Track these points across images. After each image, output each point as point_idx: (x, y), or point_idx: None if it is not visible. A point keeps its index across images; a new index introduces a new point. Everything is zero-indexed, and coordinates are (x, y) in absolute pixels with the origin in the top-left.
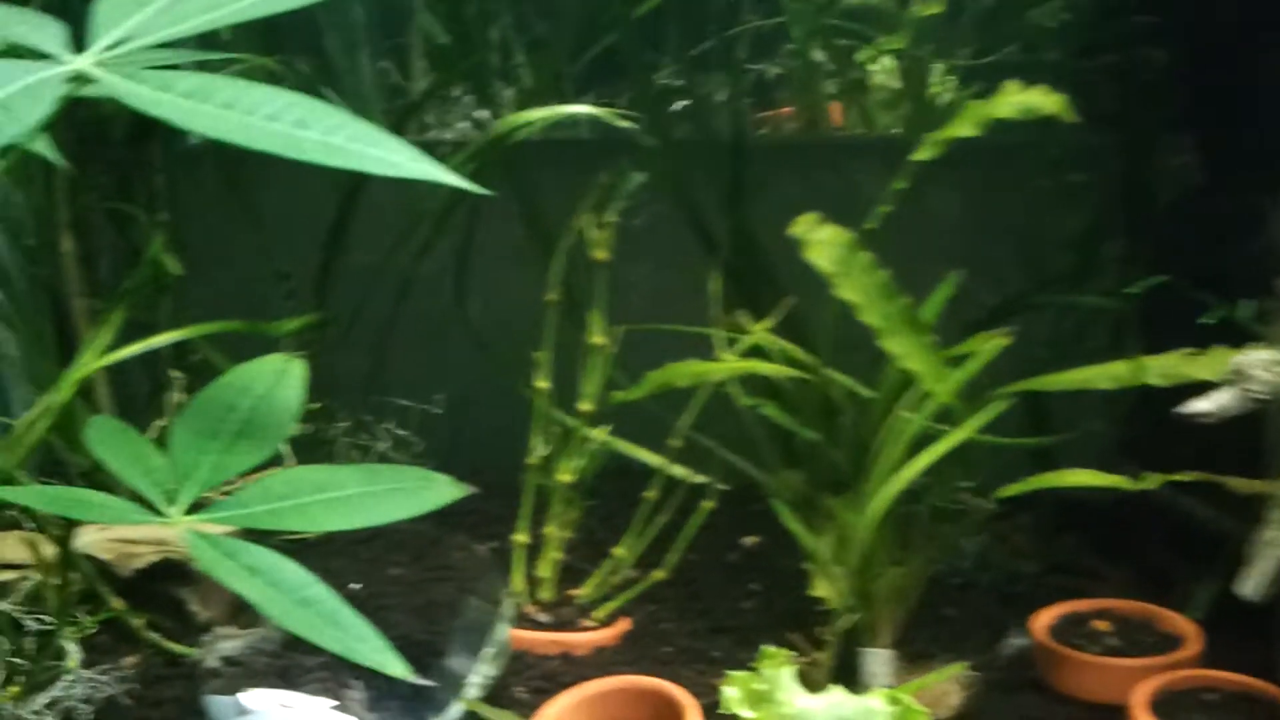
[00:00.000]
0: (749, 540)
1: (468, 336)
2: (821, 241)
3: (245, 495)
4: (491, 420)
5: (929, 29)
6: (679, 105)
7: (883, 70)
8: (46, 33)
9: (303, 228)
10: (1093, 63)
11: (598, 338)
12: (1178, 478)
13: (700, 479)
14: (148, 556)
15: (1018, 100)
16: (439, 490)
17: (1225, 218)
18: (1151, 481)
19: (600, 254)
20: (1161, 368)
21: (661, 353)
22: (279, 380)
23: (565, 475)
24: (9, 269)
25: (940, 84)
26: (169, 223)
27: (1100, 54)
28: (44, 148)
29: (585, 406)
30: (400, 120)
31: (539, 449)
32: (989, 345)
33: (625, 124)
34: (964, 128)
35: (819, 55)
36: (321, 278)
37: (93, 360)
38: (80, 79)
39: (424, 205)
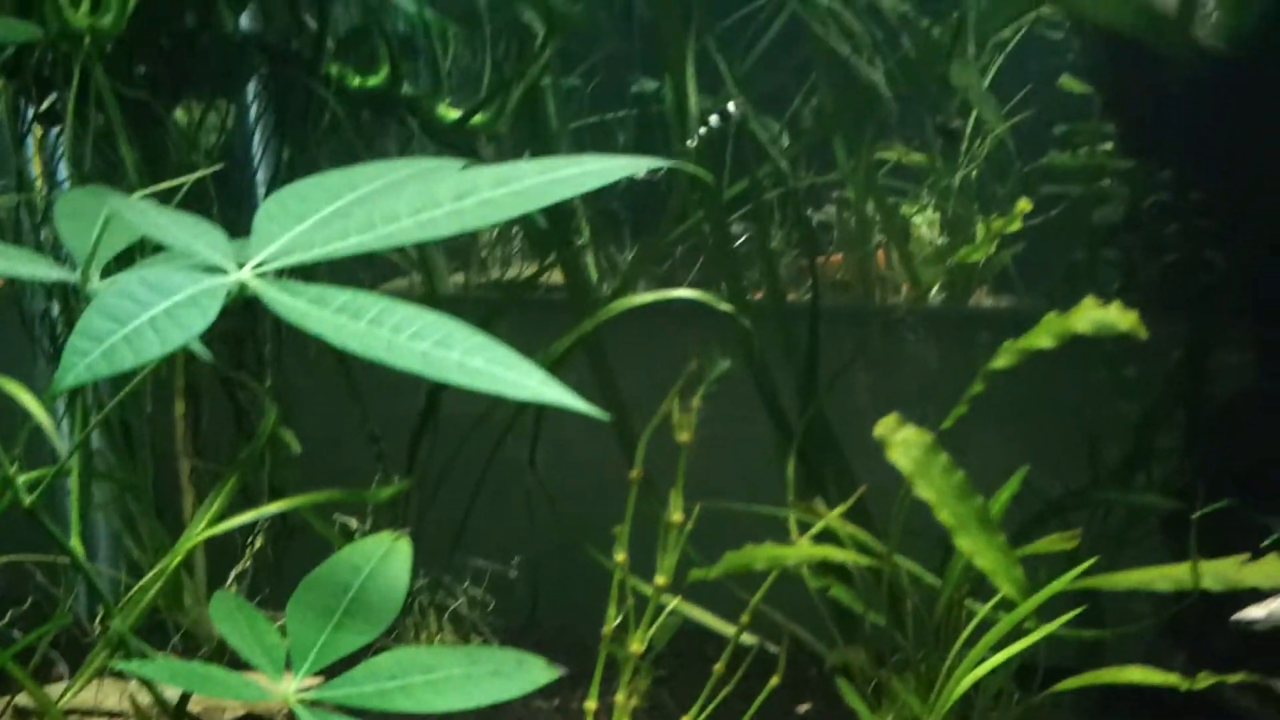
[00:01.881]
0: (803, 708)
1: (544, 500)
2: (902, 442)
3: (355, 674)
4: (565, 581)
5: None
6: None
7: (927, 223)
8: (212, 241)
9: (397, 390)
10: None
11: (676, 515)
12: (1230, 679)
13: (768, 648)
14: (235, 710)
15: (1094, 316)
16: (534, 672)
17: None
18: (1204, 681)
19: (684, 436)
20: (1217, 572)
21: (736, 529)
22: (387, 558)
23: (637, 645)
24: (118, 427)
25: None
26: (280, 394)
27: (1161, 253)
28: (196, 345)
29: (661, 580)
30: None
31: (614, 619)
32: (1057, 545)
33: (726, 307)
34: (1043, 339)
35: (869, 209)
36: (413, 443)
37: (204, 528)
38: (242, 289)
39: None
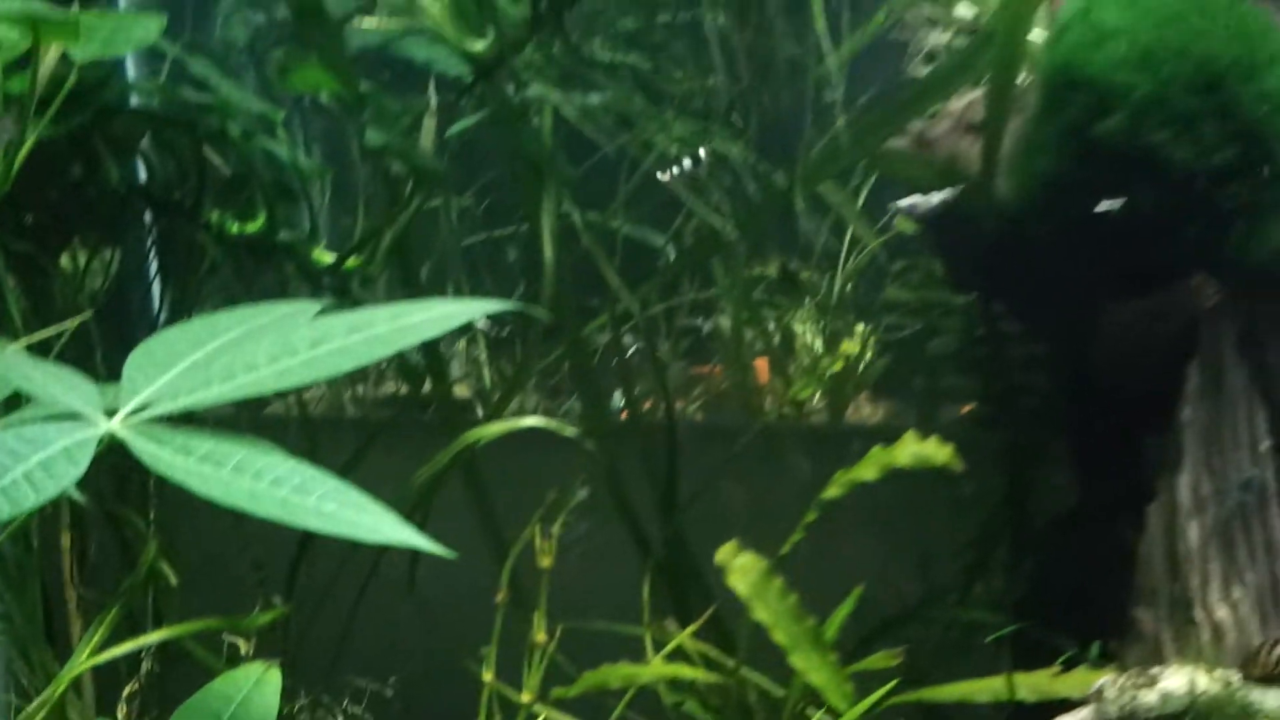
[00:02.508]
0: None
1: (421, 619)
2: (739, 568)
3: None
4: (441, 698)
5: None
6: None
7: (809, 334)
8: (83, 393)
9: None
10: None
11: (540, 635)
12: None
13: None
14: None
15: (914, 450)
16: None
17: (1089, 545)
18: None
19: (545, 561)
20: (1032, 684)
21: (612, 644)
22: (257, 687)
23: None
24: (9, 558)
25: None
26: (162, 525)
27: (991, 379)
28: (72, 490)
29: (526, 697)
30: None
31: None
32: (881, 663)
33: (570, 432)
34: (868, 472)
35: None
36: (293, 567)
37: (87, 658)
38: (111, 439)
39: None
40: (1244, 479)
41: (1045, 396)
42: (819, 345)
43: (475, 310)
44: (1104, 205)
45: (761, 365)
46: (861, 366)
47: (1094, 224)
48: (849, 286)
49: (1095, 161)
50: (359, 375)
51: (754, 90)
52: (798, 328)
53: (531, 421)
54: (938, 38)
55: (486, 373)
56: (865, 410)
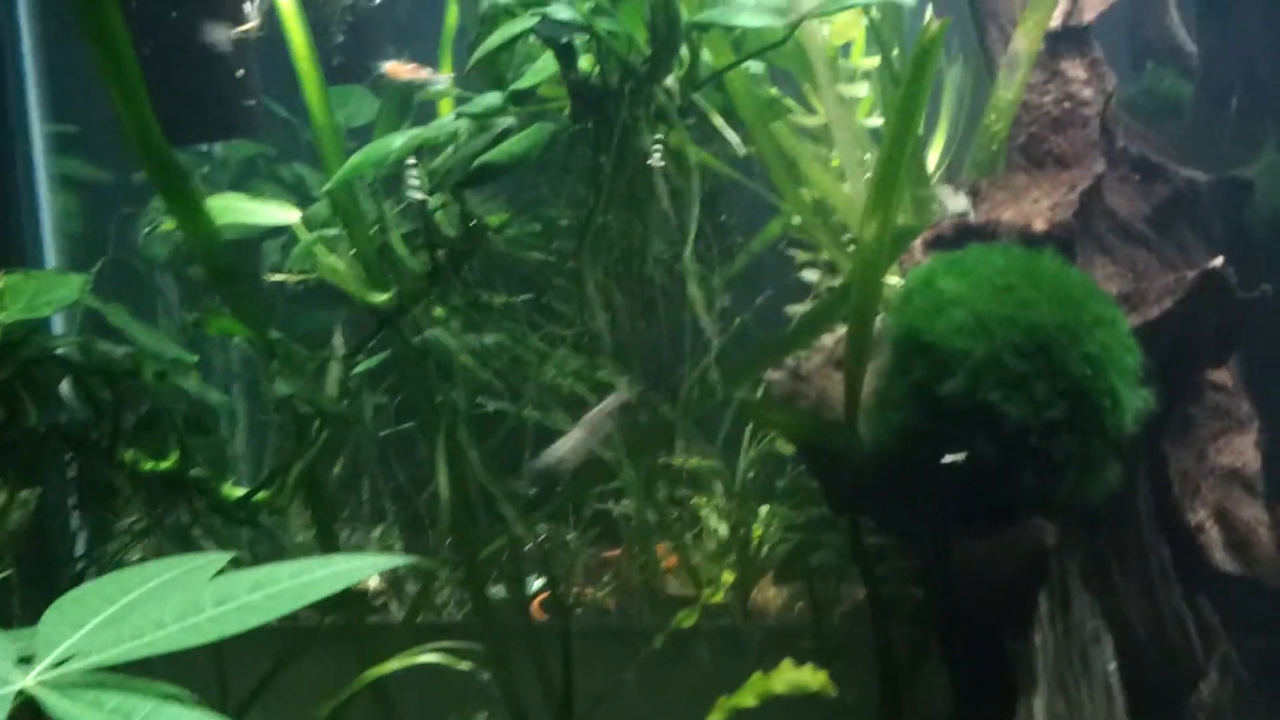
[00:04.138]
0: None
1: None
2: None
3: None
4: None
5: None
6: None
7: (714, 519)
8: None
9: None
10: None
11: None
12: None
13: None
14: None
15: (790, 678)
16: None
17: None
18: None
19: None
20: None
21: None
22: None
23: None
24: None
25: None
26: None
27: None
28: None
29: None
30: None
31: None
32: None
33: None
34: (748, 699)
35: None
36: None
37: None
38: (24, 696)
39: None
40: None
41: (918, 604)
42: (723, 530)
43: (375, 566)
44: (949, 457)
45: (663, 549)
46: (765, 550)
47: (943, 470)
48: (750, 474)
49: (940, 417)
50: None
51: (636, 328)
52: (703, 512)
53: (432, 658)
54: (811, 276)
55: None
56: (769, 593)
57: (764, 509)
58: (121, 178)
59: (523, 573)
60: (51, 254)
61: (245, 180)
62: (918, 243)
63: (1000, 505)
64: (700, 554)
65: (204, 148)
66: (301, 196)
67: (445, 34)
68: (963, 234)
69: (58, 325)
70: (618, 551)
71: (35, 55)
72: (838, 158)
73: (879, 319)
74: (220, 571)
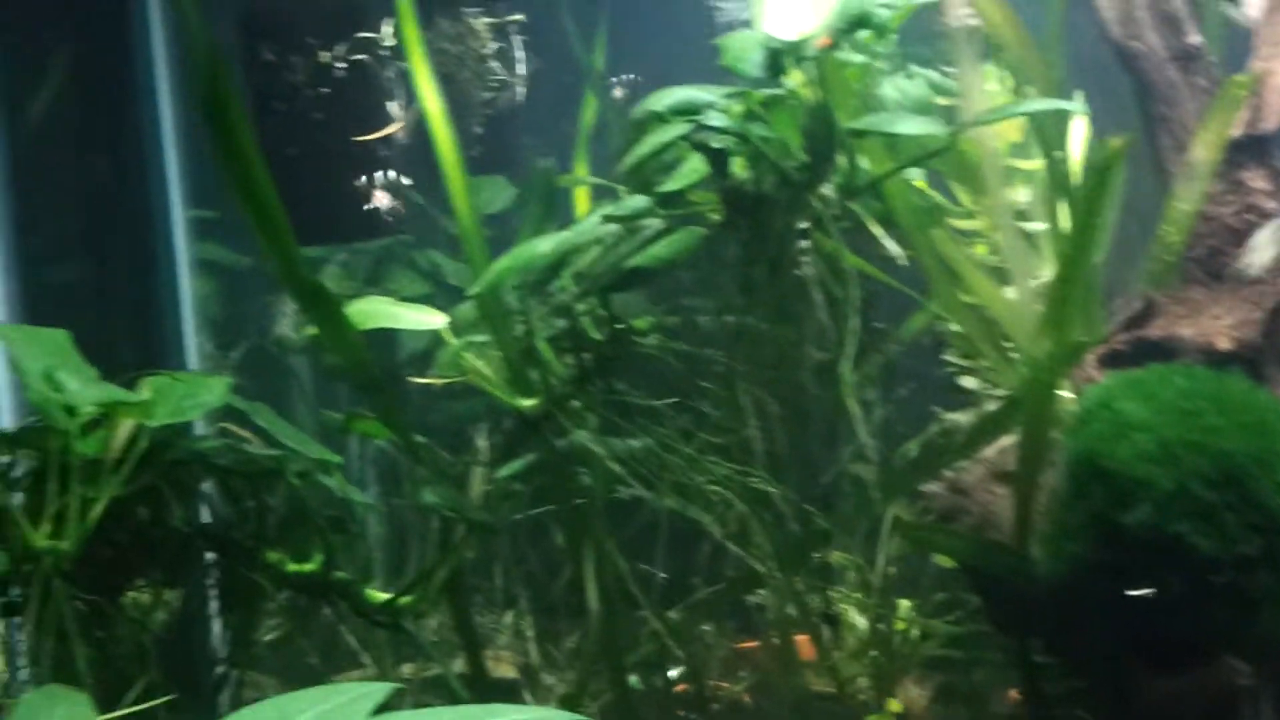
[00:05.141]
0: None
1: None
2: None
3: None
4: None
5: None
6: None
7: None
8: None
9: None
10: None
11: None
12: None
13: None
14: None
15: None
16: None
17: None
18: None
19: None
20: None
21: None
22: None
23: None
24: None
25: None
26: None
27: None
28: None
29: None
30: None
31: None
32: None
33: None
34: None
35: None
36: None
37: None
38: None
39: None
40: None
41: None
42: (863, 623)
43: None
44: (1135, 591)
45: (803, 641)
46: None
47: (1126, 604)
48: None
49: (1122, 547)
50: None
51: (789, 435)
52: (842, 605)
53: None
54: (970, 384)
55: (533, 649)
56: (912, 692)
57: (904, 604)
58: (259, 263)
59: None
60: (191, 338)
61: (382, 267)
62: (1091, 358)
63: (1189, 642)
64: (840, 649)
65: None
66: (437, 284)
67: (581, 133)
68: (1140, 351)
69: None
70: (754, 643)
71: (177, 141)
72: (1001, 263)
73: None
74: (383, 705)
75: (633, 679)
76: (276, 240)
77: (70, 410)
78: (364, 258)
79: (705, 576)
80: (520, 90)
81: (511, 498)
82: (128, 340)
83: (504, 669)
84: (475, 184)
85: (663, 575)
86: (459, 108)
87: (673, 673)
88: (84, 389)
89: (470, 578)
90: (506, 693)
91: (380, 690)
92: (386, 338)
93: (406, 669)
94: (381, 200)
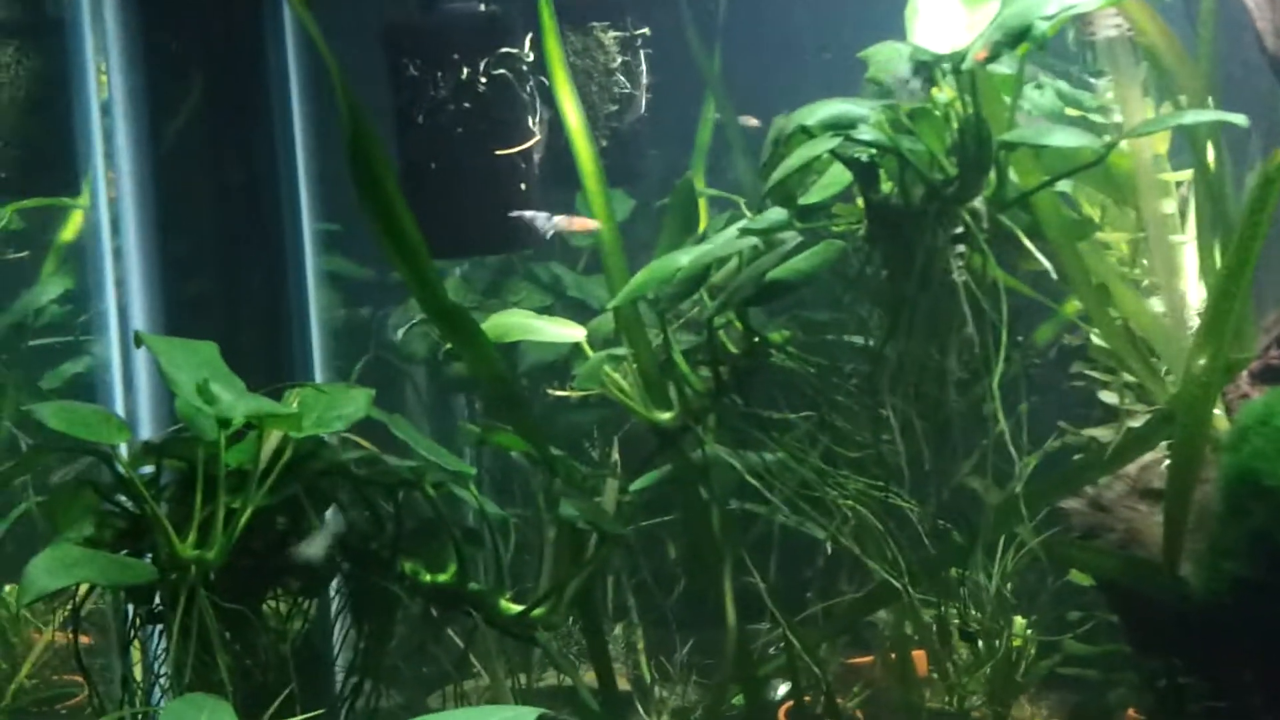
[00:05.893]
0: None
1: None
2: None
3: None
4: None
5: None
6: None
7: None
8: None
9: None
10: None
11: None
12: None
13: None
14: None
15: None
16: None
17: None
18: None
19: None
20: None
21: None
22: None
23: None
24: None
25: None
26: None
27: None
28: None
29: None
30: None
31: None
32: None
33: None
34: None
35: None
36: None
37: None
38: None
39: None
40: None
41: None
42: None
43: None
44: None
45: (920, 657)
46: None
47: None
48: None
49: None
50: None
51: (926, 450)
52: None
53: None
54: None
55: (644, 661)
56: (1026, 710)
57: (1019, 620)
58: (381, 274)
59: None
60: (317, 349)
61: (502, 279)
62: (1244, 375)
63: None
64: (956, 665)
65: None
66: (558, 296)
67: (699, 145)
68: None
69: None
70: (869, 659)
71: (305, 155)
72: (1142, 276)
73: None
74: None
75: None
76: (412, 261)
77: (223, 422)
78: (483, 270)
79: (820, 591)
80: (643, 103)
81: (644, 510)
82: (259, 351)
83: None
84: None
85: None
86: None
87: (781, 690)
88: (235, 401)
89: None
90: (622, 706)
91: (529, 714)
92: (506, 349)
93: (523, 679)
94: (521, 214)
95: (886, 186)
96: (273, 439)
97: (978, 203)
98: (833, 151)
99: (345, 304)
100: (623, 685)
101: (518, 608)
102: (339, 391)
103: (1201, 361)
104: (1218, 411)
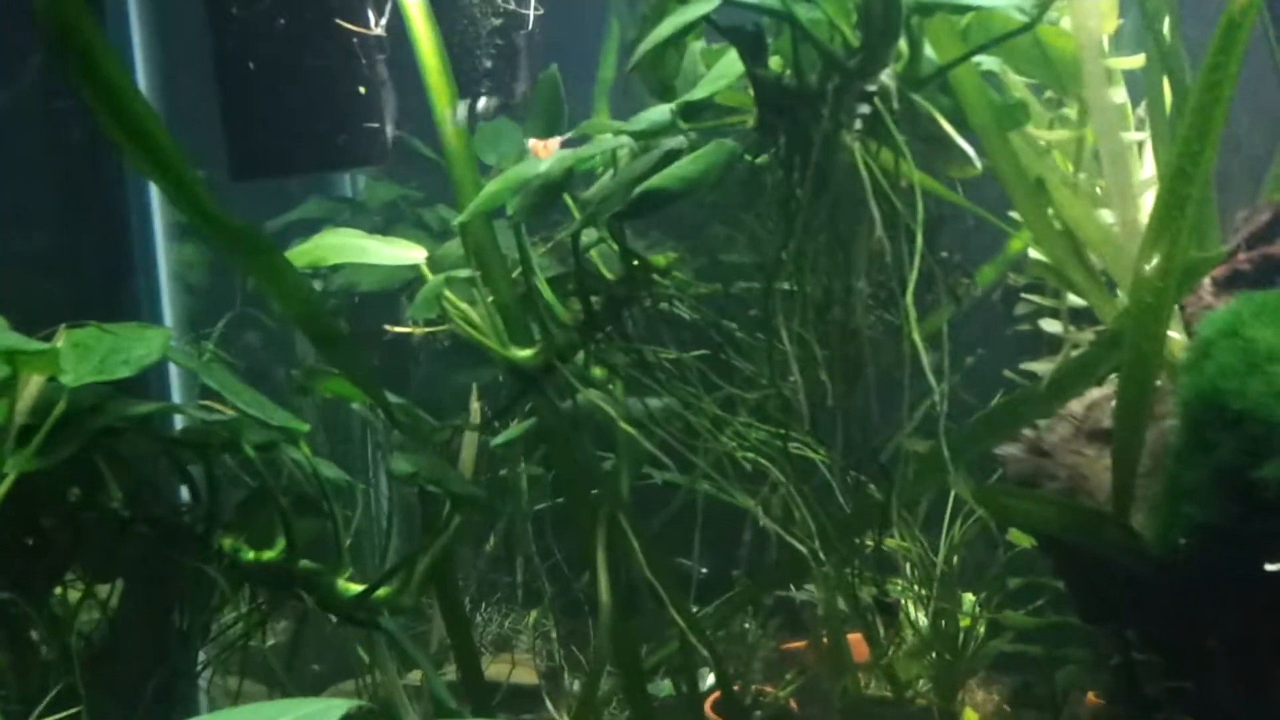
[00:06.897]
0: None
1: None
2: None
3: None
4: None
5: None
6: None
7: (910, 606)
8: None
9: None
10: None
11: None
12: None
13: None
14: None
15: None
16: None
17: None
18: None
19: None
20: None
21: None
22: None
23: None
24: None
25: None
26: None
27: None
28: None
29: None
30: None
31: None
32: None
33: None
34: None
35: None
36: None
37: None
38: None
39: None
40: None
41: None
42: (923, 620)
43: None
44: (1275, 566)
45: (857, 641)
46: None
47: (1264, 579)
48: (955, 558)
49: (1257, 510)
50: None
51: (837, 389)
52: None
53: None
54: (1053, 327)
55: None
56: (977, 696)
57: (968, 598)
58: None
59: (693, 668)
60: (168, 306)
61: (389, 227)
62: (1206, 281)
63: None
64: (898, 649)
65: (346, 189)
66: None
67: (600, 83)
68: (1267, 270)
69: (176, 393)
70: (802, 644)
71: (153, 99)
72: (1103, 178)
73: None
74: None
75: (665, 685)
76: (165, 168)
77: None
78: (366, 216)
79: (746, 567)
80: (531, 19)
81: (532, 482)
82: (99, 310)
83: (525, 674)
84: (489, 132)
85: (689, 563)
86: (462, 39)
87: (709, 678)
88: None
89: (489, 574)
90: (521, 700)
91: (341, 706)
92: (392, 300)
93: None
94: (359, 121)
95: (777, 63)
96: (32, 385)
97: (886, 77)
98: (710, 20)
99: (208, 258)
100: (532, 678)
101: (357, 588)
102: (129, 331)
103: (1154, 262)
104: (1175, 334)
